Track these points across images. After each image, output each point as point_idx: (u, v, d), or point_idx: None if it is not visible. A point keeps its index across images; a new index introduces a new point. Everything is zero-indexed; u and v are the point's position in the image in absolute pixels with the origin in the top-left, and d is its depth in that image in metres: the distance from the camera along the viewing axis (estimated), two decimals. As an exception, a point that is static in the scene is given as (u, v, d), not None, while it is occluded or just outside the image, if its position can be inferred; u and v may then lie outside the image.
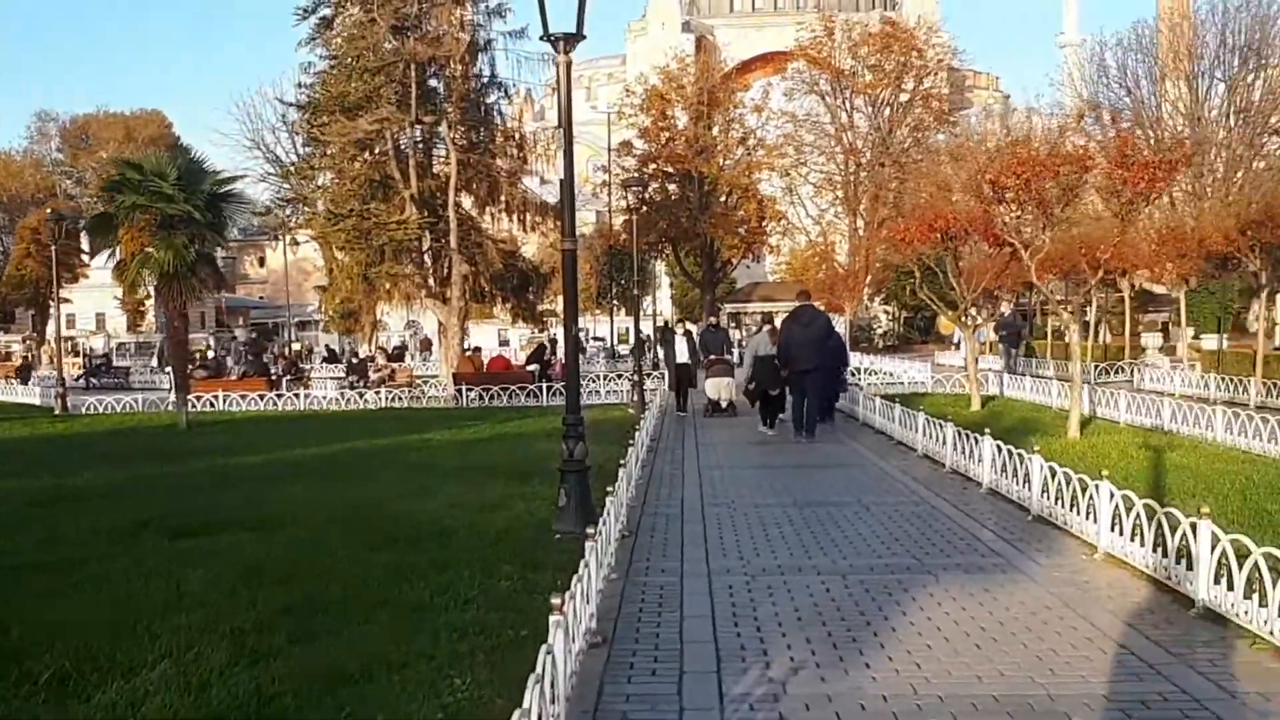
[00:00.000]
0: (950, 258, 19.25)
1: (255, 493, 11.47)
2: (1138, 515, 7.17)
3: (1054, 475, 8.90)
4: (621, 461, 9.94)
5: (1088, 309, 38.64)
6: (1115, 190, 13.43)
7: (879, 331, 68.12)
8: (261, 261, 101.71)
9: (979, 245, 19.75)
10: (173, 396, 23.69)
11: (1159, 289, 40.15)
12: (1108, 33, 68.41)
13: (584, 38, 8.68)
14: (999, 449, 10.52)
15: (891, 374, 28.63)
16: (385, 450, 15.10)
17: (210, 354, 37.78)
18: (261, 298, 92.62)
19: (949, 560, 7.89)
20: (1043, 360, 31.89)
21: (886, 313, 72.13)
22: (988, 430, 10.97)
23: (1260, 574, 5.65)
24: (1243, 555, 5.84)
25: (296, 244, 57.04)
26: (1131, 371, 26.37)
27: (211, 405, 24.55)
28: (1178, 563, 6.65)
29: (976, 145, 46.66)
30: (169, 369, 30.22)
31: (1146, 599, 6.73)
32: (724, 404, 19.36)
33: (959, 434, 12.00)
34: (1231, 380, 20.28)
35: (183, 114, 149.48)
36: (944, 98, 51.04)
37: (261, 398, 24.87)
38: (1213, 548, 6.13)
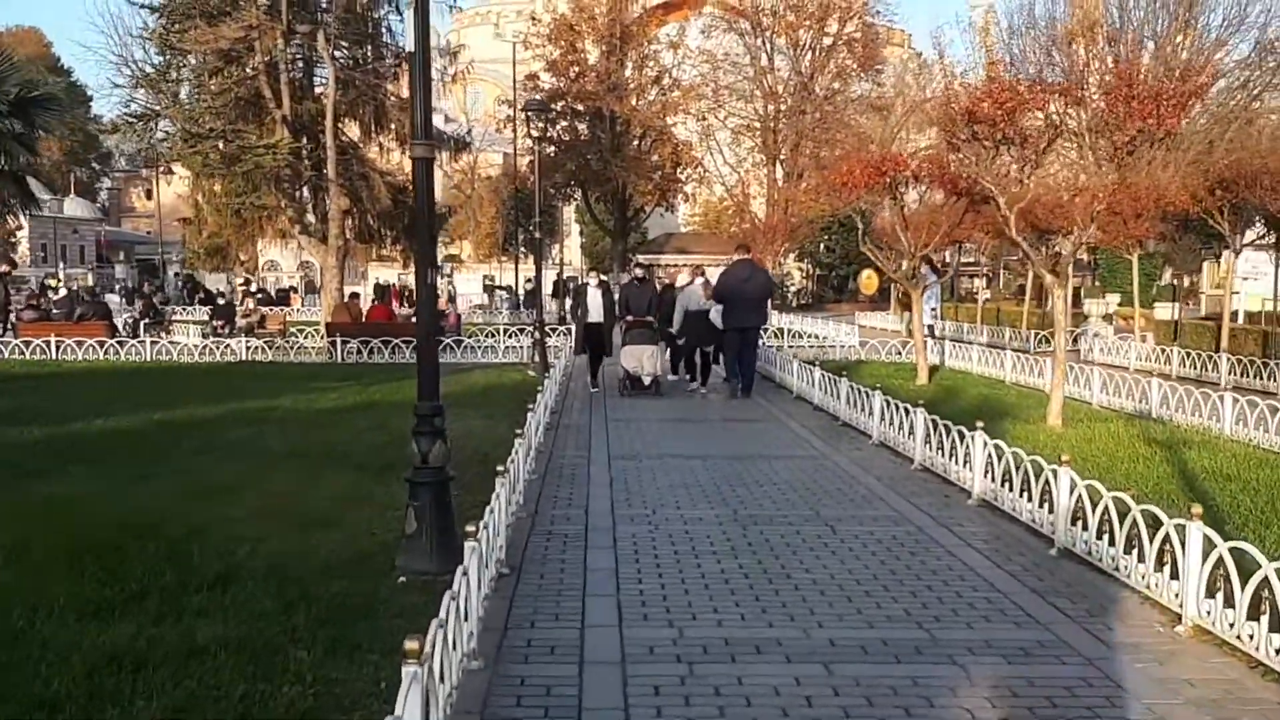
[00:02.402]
0: (897, 207, 16.81)
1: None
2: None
3: (1088, 499, 6.48)
4: (510, 458, 7.23)
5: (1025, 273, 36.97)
6: (1117, 125, 11.02)
7: (793, 289, 66.27)
8: (149, 194, 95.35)
9: (929, 193, 17.39)
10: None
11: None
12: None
13: None
14: (997, 451, 8.09)
15: (819, 337, 26.31)
16: (212, 422, 12.06)
17: (59, 291, 33.56)
18: (149, 232, 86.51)
19: (972, 635, 5.38)
20: (961, 326, 29.99)
21: (800, 270, 70.42)
22: (980, 426, 8.50)
23: None
24: None
25: (171, 173, 52.40)
26: (1075, 340, 24.48)
27: (42, 353, 21.03)
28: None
29: (897, 97, 44.53)
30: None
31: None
32: (645, 379, 15.34)
33: (933, 425, 9.55)
34: (1197, 355, 18.35)
35: (62, 31, 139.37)
36: (869, 43, 48.54)
37: (101, 345, 21.37)
38: None
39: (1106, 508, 6.30)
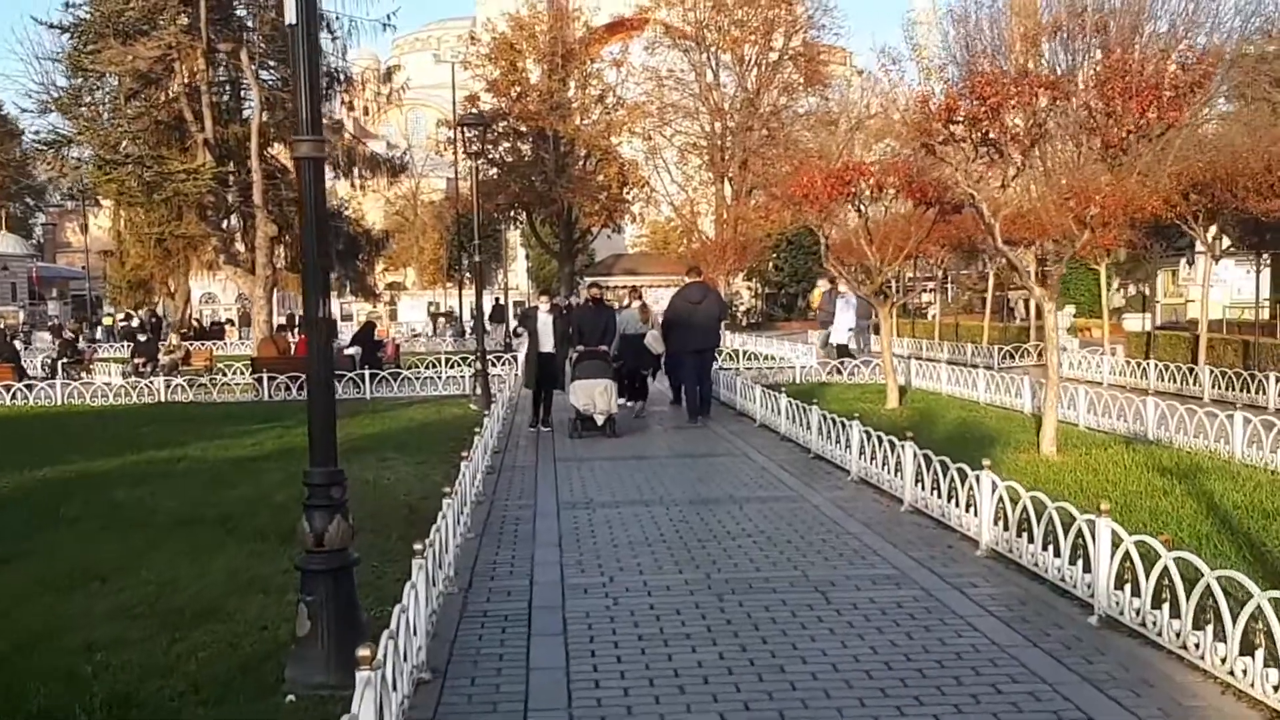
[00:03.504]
0: (861, 220, 15.74)
1: None
2: None
3: (1138, 556, 5.32)
4: (433, 528, 5.93)
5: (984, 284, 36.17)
6: (1112, 119, 10.01)
7: (742, 309, 65.35)
8: (84, 228, 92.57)
9: (894, 204, 16.37)
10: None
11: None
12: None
13: None
14: (1010, 494, 6.93)
15: (775, 358, 25.18)
16: (102, 479, 10.56)
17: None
18: (83, 268, 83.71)
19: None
20: (919, 342, 29.06)
21: (749, 289, 69.57)
22: (987, 464, 7.33)
23: None
24: None
25: (99, 205, 50.33)
26: (1039, 355, 23.60)
27: (-64, 398, 19.34)
28: None
29: (842, 113, 43.82)
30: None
31: None
32: (598, 418, 13.39)
33: (924, 462, 8.38)
34: (1175, 368, 17.43)
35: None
36: (814, 57, 47.88)
37: (8, 389, 19.65)
38: None
39: (1165, 570, 5.13)
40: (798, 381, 20.14)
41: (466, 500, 8.08)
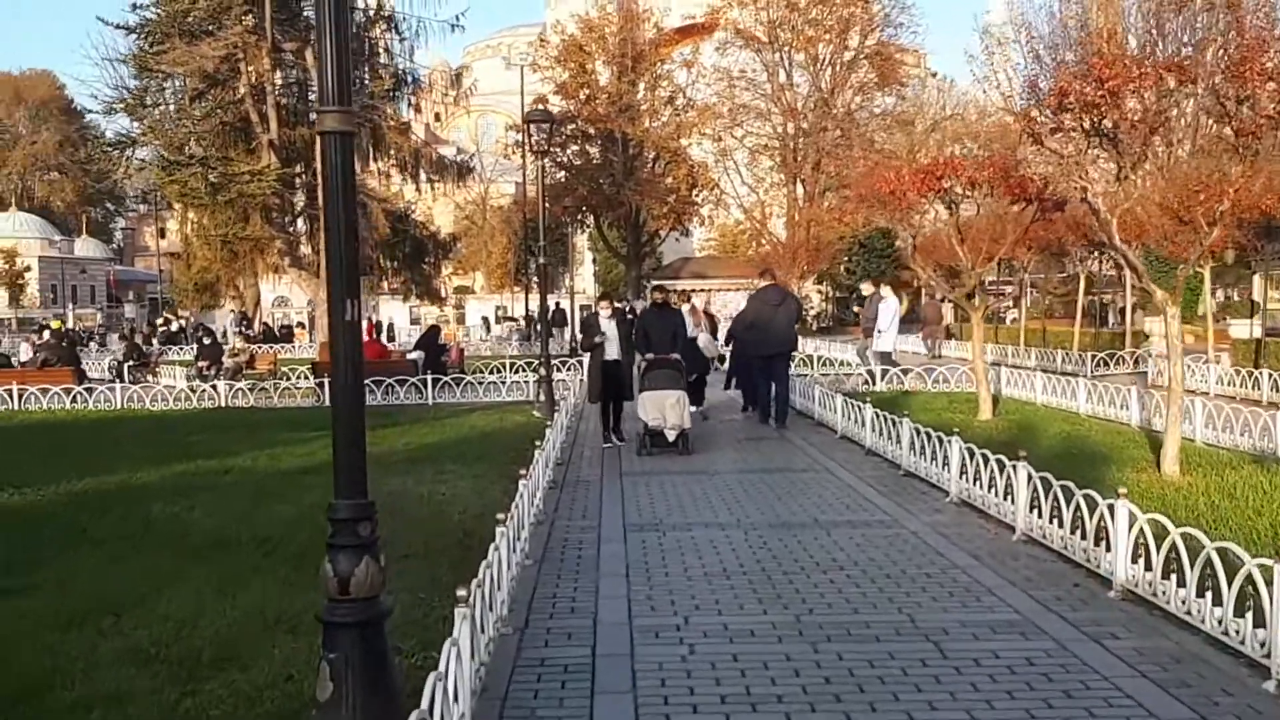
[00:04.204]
0: (952, 219, 14.70)
1: None
2: None
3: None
4: (479, 574, 5.11)
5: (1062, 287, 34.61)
6: (1246, 104, 8.92)
7: (811, 313, 64.01)
8: (163, 232, 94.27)
9: (984, 203, 15.30)
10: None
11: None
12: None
13: None
14: (1155, 529, 5.94)
15: (850, 364, 24.10)
16: (141, 492, 9.94)
17: (43, 335, 31.49)
18: (162, 271, 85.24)
19: None
20: (1004, 349, 27.72)
21: (819, 292, 68.17)
22: (1123, 493, 6.33)
23: None
24: None
25: (171, 208, 50.78)
26: (1136, 363, 22.26)
27: (3, 403, 19.09)
28: None
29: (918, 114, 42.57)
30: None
31: None
32: (670, 433, 12.05)
33: (1044, 486, 7.38)
34: (1291, 378, 16.09)
35: (77, 73, 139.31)
36: (890, 56, 46.49)
37: (68, 393, 19.38)
38: None
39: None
40: (878, 388, 19.10)
41: (524, 523, 7.29)
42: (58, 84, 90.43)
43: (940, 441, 9.62)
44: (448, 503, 9.23)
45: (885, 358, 20.48)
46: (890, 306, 20.85)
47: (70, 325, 48.65)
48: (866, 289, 24.49)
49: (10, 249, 79.39)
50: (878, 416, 11.83)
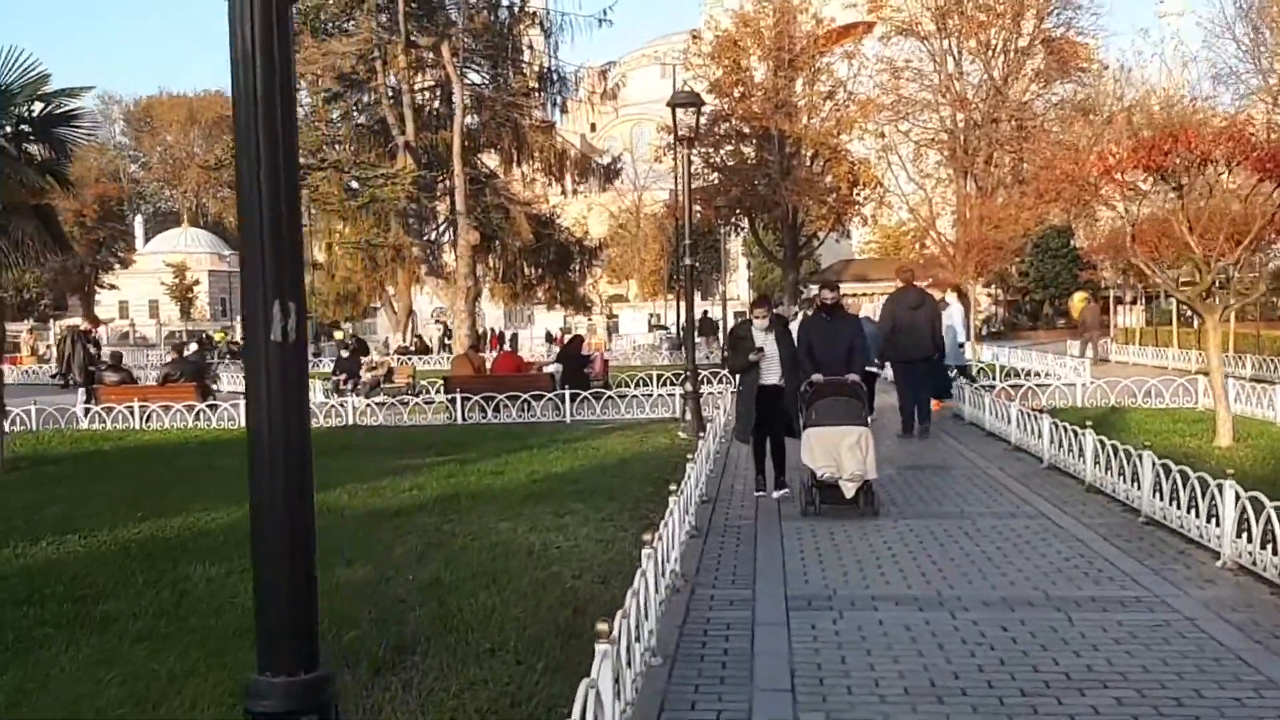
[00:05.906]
0: (1180, 201, 12.13)
1: None
2: None
3: None
4: (595, 660, 3.23)
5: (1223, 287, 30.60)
6: None
7: (981, 317, 60.24)
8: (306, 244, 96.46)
9: (1220, 182, 12.66)
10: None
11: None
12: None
13: None
14: None
15: (1041, 374, 21.38)
16: (192, 542, 8.13)
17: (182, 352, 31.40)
18: (309, 282, 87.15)
19: None
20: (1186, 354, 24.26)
21: (989, 295, 64.22)
22: None
23: None
24: None
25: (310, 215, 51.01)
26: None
27: (125, 420, 18.40)
28: None
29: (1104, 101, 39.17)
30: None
31: None
32: (847, 486, 8.82)
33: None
34: None
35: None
36: (1070, 39, 42.81)
37: (191, 409, 18.54)
38: None
39: None
40: (1079, 405, 16.49)
41: (652, 600, 5.39)
42: (229, 103, 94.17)
43: (1198, 485, 7.29)
44: (563, 559, 7.42)
45: (963, 370, 17.95)
46: (957, 314, 18.47)
47: (234, 338, 49.32)
48: (1078, 297, 24.19)
49: (180, 264, 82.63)
50: (1102, 448, 9.48)
